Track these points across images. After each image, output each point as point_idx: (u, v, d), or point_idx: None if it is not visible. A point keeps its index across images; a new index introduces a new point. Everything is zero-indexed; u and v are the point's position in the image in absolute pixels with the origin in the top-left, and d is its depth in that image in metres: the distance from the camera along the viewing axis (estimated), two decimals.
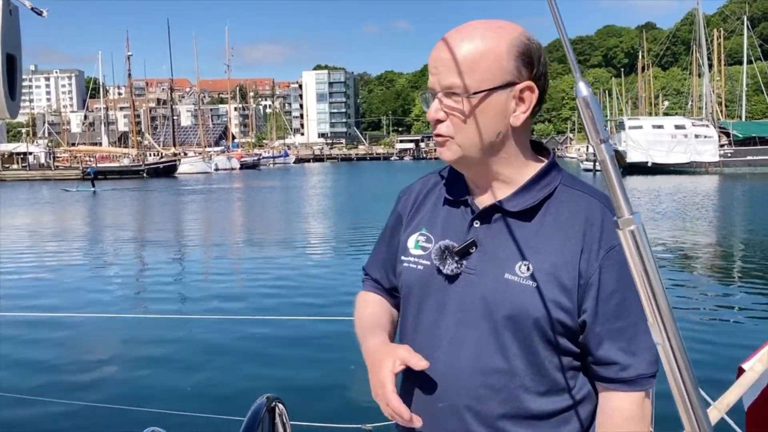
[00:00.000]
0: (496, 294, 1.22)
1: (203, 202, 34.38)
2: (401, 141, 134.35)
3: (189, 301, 10.33)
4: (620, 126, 57.45)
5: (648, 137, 53.16)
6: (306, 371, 6.40)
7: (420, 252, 1.33)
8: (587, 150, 72.17)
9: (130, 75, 77.94)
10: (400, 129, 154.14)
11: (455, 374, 1.24)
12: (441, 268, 1.27)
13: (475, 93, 1.20)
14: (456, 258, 1.26)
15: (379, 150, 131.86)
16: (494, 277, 1.23)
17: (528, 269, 1.21)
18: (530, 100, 1.23)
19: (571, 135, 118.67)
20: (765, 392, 1.73)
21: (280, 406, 1.58)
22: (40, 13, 1.51)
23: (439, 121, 1.24)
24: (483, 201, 1.30)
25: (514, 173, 1.29)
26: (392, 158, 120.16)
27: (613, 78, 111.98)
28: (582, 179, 1.36)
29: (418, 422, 1.24)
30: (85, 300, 10.40)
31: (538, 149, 1.35)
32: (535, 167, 1.30)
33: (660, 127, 55.14)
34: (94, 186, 44.67)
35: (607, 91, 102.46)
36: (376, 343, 1.35)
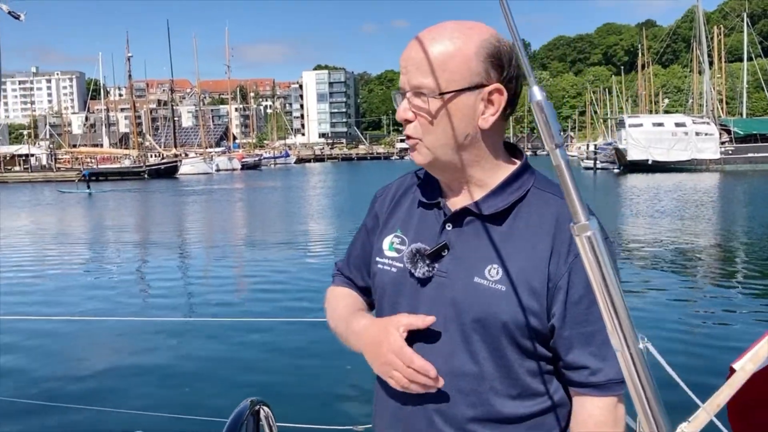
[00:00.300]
0: (465, 297, 1.22)
1: (204, 202, 34.40)
2: (402, 140, 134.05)
3: (181, 304, 10.32)
4: (621, 124, 57.33)
5: (648, 135, 53.07)
6: (297, 374, 6.39)
7: (394, 254, 1.33)
8: (587, 148, 72.10)
9: (130, 76, 77.99)
10: (400, 128, 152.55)
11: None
12: (413, 271, 1.26)
13: (442, 93, 1.19)
14: (427, 261, 1.25)
15: (380, 149, 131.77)
16: (464, 280, 1.23)
17: (497, 273, 1.21)
18: (499, 102, 1.22)
19: (571, 133, 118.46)
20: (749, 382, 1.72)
21: (266, 408, 1.58)
22: (17, 17, 1.52)
23: (407, 122, 1.23)
24: (456, 204, 1.29)
25: (486, 176, 1.28)
26: (393, 158, 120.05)
27: (613, 76, 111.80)
28: (556, 181, 1.35)
29: (441, 382, 1.21)
30: (73, 302, 10.40)
31: (512, 151, 1.34)
32: (507, 170, 1.29)
33: (660, 124, 55.04)
34: (89, 188, 44.70)
35: (607, 89, 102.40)
36: (365, 322, 1.34)
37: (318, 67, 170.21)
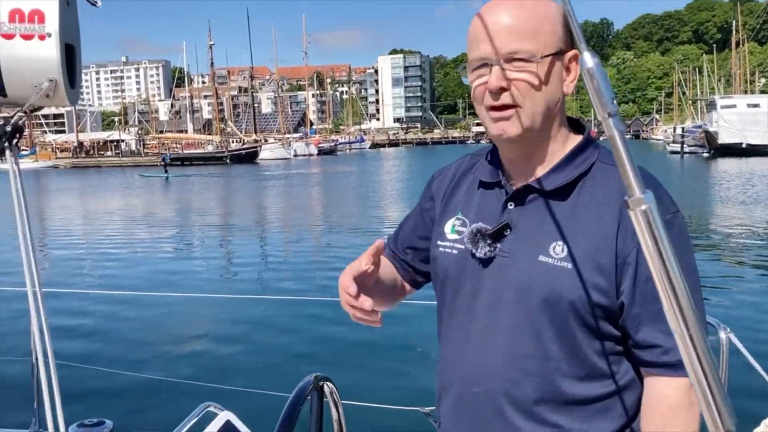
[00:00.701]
0: (529, 277, 1.19)
1: (282, 187, 35.25)
2: (477, 124, 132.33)
3: (255, 281, 10.67)
4: (711, 105, 54.35)
5: (742, 117, 50.03)
6: (364, 354, 6.51)
7: (455, 236, 1.32)
8: (674, 132, 68.75)
9: (212, 64, 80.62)
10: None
11: (489, 359, 1.22)
12: (474, 251, 1.25)
13: (543, 57, 1.17)
14: (489, 241, 1.24)
15: (455, 134, 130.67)
16: (528, 259, 1.20)
17: (563, 250, 1.17)
18: (576, 69, 1.21)
19: (657, 116, 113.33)
20: None
21: (330, 384, 1.58)
22: (94, 4, 1.57)
23: (502, 90, 1.17)
24: (517, 182, 1.27)
25: (554, 149, 1.25)
26: (468, 141, 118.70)
27: (704, 54, 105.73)
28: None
29: (367, 303, 1.24)
30: (154, 280, 10.92)
31: (575, 126, 1.31)
32: (571, 143, 1.26)
33: (756, 105, 51.75)
34: (166, 172, 46.63)
35: (696, 69, 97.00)
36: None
37: (393, 52, 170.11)
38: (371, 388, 5.09)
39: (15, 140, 1.60)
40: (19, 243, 1.60)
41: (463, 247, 1.29)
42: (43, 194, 34.35)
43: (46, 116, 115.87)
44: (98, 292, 9.11)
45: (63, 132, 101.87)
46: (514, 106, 1.18)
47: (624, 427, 1.21)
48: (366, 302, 1.25)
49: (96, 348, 7.17)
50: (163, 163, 51.62)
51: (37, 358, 1.63)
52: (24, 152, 72.92)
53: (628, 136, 0.71)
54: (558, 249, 1.18)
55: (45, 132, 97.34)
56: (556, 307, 1.17)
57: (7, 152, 1.59)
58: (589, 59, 0.72)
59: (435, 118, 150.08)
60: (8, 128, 1.57)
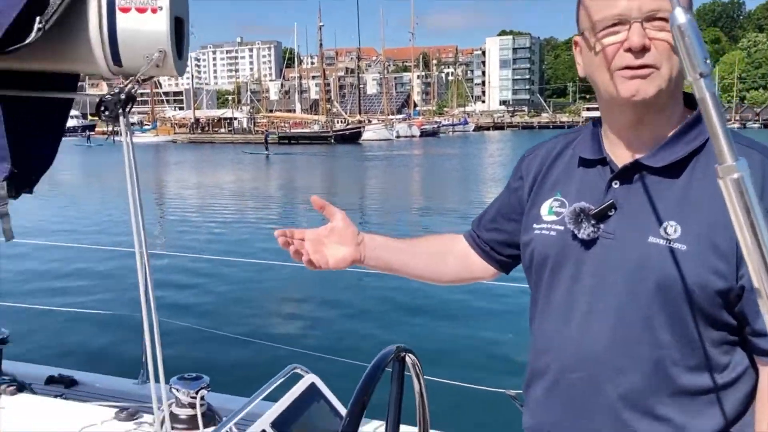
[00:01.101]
0: (639, 259, 1.13)
1: (384, 167, 35.65)
2: (588, 109, 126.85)
3: None
4: None
5: None
6: (453, 333, 6.56)
7: (553, 218, 1.26)
8: None
9: (321, 45, 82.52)
10: (588, 96, 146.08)
11: (591, 345, 1.17)
12: (576, 232, 1.19)
13: None
14: (593, 221, 1.17)
15: (564, 118, 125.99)
16: (636, 241, 1.13)
17: (676, 231, 1.10)
18: None
19: None
20: None
21: (412, 357, 1.59)
22: None
23: (644, 50, 1.10)
24: (623, 159, 1.20)
25: (669, 122, 1.18)
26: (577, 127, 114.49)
27: None
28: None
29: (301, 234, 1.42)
30: (253, 248, 11.62)
31: (687, 101, 1.22)
32: (684, 117, 1.19)
33: None
34: (267, 150, 48.27)
35: None
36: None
37: (502, 33, 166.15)
38: (456, 365, 5.12)
39: (128, 108, 1.72)
40: (129, 206, 1.72)
41: (562, 228, 1.23)
42: (162, 167, 36.77)
43: (166, 93, 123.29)
44: (201, 257, 9.76)
45: (182, 109, 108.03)
46: (651, 66, 1.11)
47: (734, 421, 1.14)
48: (296, 231, 1.41)
49: (196, 309, 7.73)
50: (265, 141, 53.59)
51: (143, 316, 1.76)
52: (146, 126, 78.17)
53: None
54: (670, 230, 1.11)
55: (165, 108, 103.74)
56: (669, 292, 1.10)
57: (121, 118, 1.70)
58: (680, 14, 0.67)
59: (543, 102, 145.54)
60: (123, 96, 1.69)
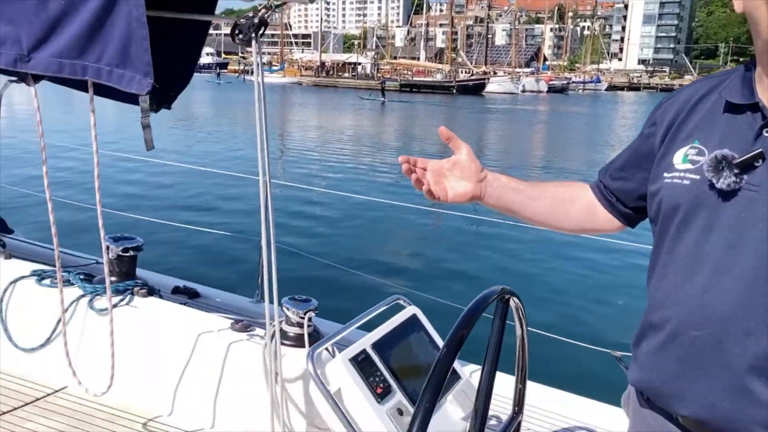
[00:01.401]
0: None
1: (506, 121, 34.83)
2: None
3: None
4: None
5: None
6: (571, 288, 6.42)
7: (688, 166, 1.16)
8: None
9: None
10: (739, 59, 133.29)
11: (718, 302, 1.09)
12: (714, 181, 1.10)
13: None
14: (735, 171, 1.08)
15: None
16: None
17: None
18: None
19: None
20: None
21: (516, 300, 1.57)
22: None
23: None
24: None
25: None
26: None
27: None
28: None
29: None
30: (367, 187, 12.11)
31: None
32: None
33: None
34: (384, 96, 48.30)
35: None
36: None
37: None
38: (561, 319, 5.04)
39: (261, 31, 1.78)
40: (256, 134, 1.81)
41: (698, 177, 1.14)
42: (287, 106, 38.12)
43: (295, 35, 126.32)
44: (318, 190, 10.26)
45: (309, 52, 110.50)
46: None
47: None
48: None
49: (310, 237, 8.16)
50: (381, 88, 53.74)
51: (262, 240, 1.87)
52: (275, 67, 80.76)
53: None
54: None
55: (293, 50, 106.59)
56: None
57: (253, 42, 1.77)
58: None
59: (688, 63, 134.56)
60: (256, 20, 1.75)
